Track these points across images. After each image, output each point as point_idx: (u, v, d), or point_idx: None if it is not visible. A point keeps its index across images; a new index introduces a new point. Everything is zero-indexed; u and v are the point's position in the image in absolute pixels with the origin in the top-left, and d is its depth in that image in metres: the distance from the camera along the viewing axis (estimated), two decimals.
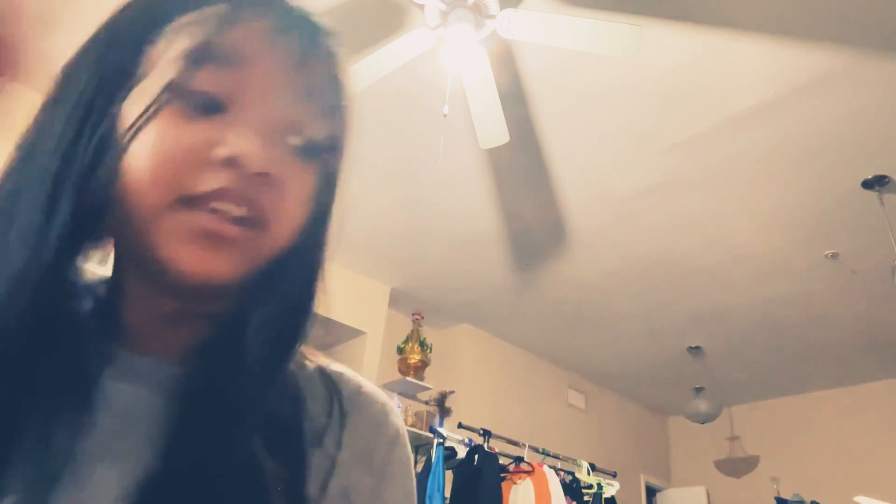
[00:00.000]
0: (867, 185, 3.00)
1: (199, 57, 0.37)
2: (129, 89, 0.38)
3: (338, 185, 0.45)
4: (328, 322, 4.08)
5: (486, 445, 3.78)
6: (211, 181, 0.37)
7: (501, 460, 3.81)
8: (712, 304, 4.25)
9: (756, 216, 3.35)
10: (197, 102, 0.37)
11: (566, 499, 3.83)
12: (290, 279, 0.43)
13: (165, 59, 0.38)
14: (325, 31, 0.44)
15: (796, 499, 4.80)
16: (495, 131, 2.54)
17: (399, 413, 0.51)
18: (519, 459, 3.89)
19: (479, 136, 2.57)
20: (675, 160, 3.01)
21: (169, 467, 0.37)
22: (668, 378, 5.47)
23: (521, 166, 3.15)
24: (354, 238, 3.89)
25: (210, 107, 0.38)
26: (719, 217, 3.39)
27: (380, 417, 0.48)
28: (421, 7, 2.27)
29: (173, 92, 0.37)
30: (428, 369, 4.40)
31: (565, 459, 4.29)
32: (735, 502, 5.61)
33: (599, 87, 2.64)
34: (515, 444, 4.09)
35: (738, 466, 5.66)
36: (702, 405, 4.84)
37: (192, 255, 0.37)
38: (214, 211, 0.37)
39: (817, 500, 4.59)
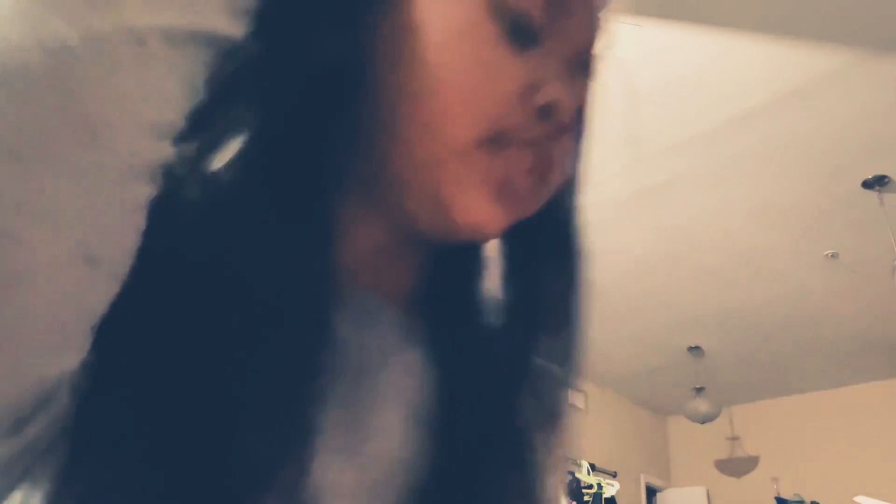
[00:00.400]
0: (867, 185, 3.00)
1: None
2: None
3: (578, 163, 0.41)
4: None
5: None
6: (526, 127, 0.32)
7: None
8: (713, 304, 4.25)
9: (756, 216, 3.35)
10: (514, 28, 0.31)
11: (566, 499, 3.83)
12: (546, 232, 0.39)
13: None
14: None
15: (796, 499, 4.80)
16: None
17: None
18: None
19: None
20: (676, 160, 3.01)
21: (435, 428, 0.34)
22: (668, 378, 5.47)
23: None
24: None
25: (525, 36, 0.32)
26: (719, 217, 3.38)
27: (562, 375, 0.44)
28: None
29: (493, 8, 0.31)
30: None
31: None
32: (735, 502, 5.61)
33: (599, 84, 2.63)
34: None
35: (738, 466, 5.65)
36: (702, 405, 4.84)
37: (481, 203, 0.32)
38: (514, 158, 0.33)
39: (817, 500, 4.60)
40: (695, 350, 4.89)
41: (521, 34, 0.31)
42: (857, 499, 3.47)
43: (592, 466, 4.33)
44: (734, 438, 5.79)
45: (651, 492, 5.95)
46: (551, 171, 0.34)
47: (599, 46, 0.37)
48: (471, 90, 0.31)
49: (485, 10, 0.31)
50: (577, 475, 4.17)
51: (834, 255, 3.57)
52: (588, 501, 4.09)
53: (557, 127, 0.33)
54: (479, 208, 0.32)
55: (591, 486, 4.15)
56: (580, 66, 0.36)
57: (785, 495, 4.92)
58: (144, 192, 0.24)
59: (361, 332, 0.35)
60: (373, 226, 0.36)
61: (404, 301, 0.38)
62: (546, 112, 0.32)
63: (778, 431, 5.60)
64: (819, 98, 2.59)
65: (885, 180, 2.97)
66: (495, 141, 0.32)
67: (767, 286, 3.96)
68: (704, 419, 4.85)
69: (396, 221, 0.35)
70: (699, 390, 5.05)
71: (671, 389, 5.68)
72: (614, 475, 4.50)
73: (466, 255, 0.40)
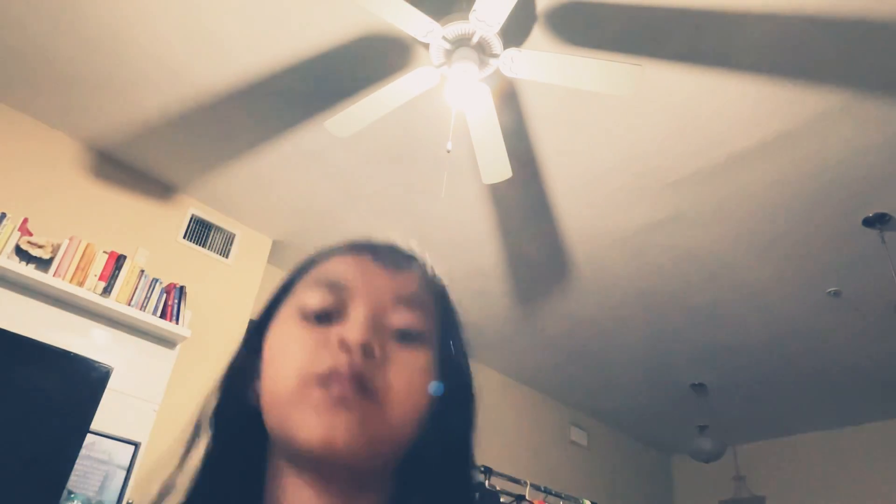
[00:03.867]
0: (868, 222, 3.01)
1: (314, 285, 0.53)
2: (271, 322, 0.54)
3: (460, 372, 0.55)
4: None
5: (486, 483, 3.72)
6: (328, 361, 0.47)
7: (503, 498, 3.75)
8: (715, 341, 4.23)
9: (757, 254, 3.35)
10: (317, 317, 0.50)
11: None
12: (436, 466, 0.51)
13: (294, 301, 0.53)
14: (412, 253, 0.58)
15: None
16: (498, 167, 2.57)
17: None
18: (520, 498, 3.83)
19: (482, 172, 2.60)
20: (677, 197, 3.03)
21: None
22: (672, 415, 5.41)
23: (524, 201, 3.18)
24: None
25: (327, 317, 0.50)
26: (721, 254, 3.39)
27: None
28: (426, 46, 2.31)
29: (300, 313, 0.51)
30: None
31: (567, 498, 4.22)
32: None
33: (601, 123, 2.67)
34: (517, 481, 4.03)
35: None
36: (706, 443, 4.78)
37: (315, 420, 0.45)
38: (333, 383, 0.46)
39: None
40: (698, 387, 4.85)
41: (322, 318, 0.50)
42: None
43: None
44: (739, 478, 5.70)
45: None
46: (376, 387, 0.47)
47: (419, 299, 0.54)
48: (287, 355, 0.49)
49: (297, 316, 0.51)
50: None
51: (836, 293, 3.57)
52: None
53: (357, 351, 0.47)
54: (313, 425, 0.45)
55: None
56: (406, 303, 0.52)
57: None
58: None
59: None
60: (295, 483, 0.49)
61: None
62: (342, 345, 0.47)
63: (784, 471, 5.51)
64: (819, 136, 2.62)
65: (886, 218, 2.98)
66: (316, 377, 0.46)
67: (770, 323, 3.95)
68: (709, 458, 4.79)
69: (298, 465, 0.49)
70: (703, 428, 4.99)
71: (674, 427, 5.61)
72: None
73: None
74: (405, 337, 0.51)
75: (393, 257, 0.56)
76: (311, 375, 0.47)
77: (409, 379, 0.49)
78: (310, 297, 0.52)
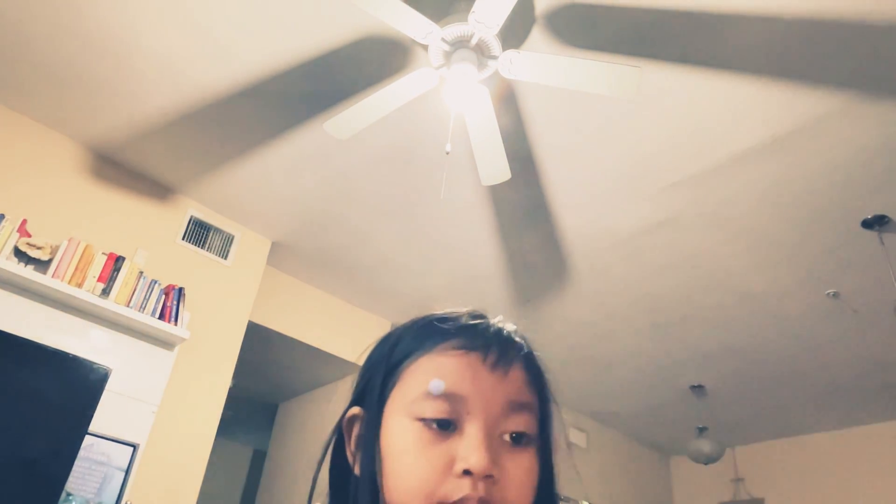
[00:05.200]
0: (867, 224, 3.02)
1: (428, 396, 0.54)
2: (384, 402, 0.57)
3: (553, 458, 0.60)
4: (330, 357, 4.06)
5: None
6: (456, 490, 0.50)
7: None
8: (714, 343, 4.23)
9: (756, 255, 3.35)
10: (436, 425, 0.53)
11: None
12: None
13: (409, 396, 0.55)
14: (516, 339, 0.59)
15: None
16: (497, 168, 2.57)
17: None
18: None
19: (481, 173, 2.60)
20: (675, 199, 3.03)
21: None
22: (671, 417, 5.41)
23: (523, 203, 3.18)
24: (357, 273, 3.90)
25: (445, 425, 0.53)
26: (720, 256, 3.39)
27: None
28: (425, 47, 2.31)
29: (414, 415, 0.53)
30: None
31: (566, 500, 4.21)
32: None
33: (600, 125, 2.67)
34: None
35: None
36: (705, 445, 4.77)
37: None
38: None
39: None
40: (697, 389, 4.85)
41: (443, 425, 0.52)
42: None
43: None
44: (738, 480, 5.70)
45: None
46: (493, 502, 0.50)
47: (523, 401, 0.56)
48: (413, 474, 0.51)
49: (412, 417, 0.53)
50: None
51: (835, 295, 3.57)
52: None
53: (480, 479, 0.50)
54: None
55: None
56: (515, 409, 0.55)
57: None
58: None
59: None
60: None
61: None
62: (467, 473, 0.50)
63: (782, 473, 5.51)
64: (818, 138, 2.62)
65: (885, 220, 2.98)
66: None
67: (769, 325, 3.95)
68: (707, 460, 4.79)
69: None
70: (702, 430, 4.99)
71: (673, 429, 5.61)
72: None
73: None
74: (516, 440, 0.55)
75: (501, 353, 0.57)
76: (442, 501, 0.50)
77: (524, 484, 0.53)
78: (426, 407, 0.54)
